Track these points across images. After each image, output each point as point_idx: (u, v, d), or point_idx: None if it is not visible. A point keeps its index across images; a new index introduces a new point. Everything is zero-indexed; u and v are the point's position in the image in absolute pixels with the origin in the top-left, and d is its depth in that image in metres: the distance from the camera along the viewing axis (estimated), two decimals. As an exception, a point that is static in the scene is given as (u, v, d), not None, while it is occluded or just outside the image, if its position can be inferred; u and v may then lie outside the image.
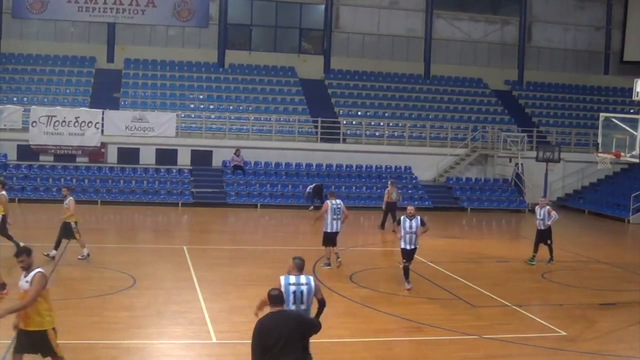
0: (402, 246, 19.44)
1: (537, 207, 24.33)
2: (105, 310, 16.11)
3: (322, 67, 46.18)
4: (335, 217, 21.63)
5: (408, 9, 47.36)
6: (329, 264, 21.86)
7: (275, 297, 9.74)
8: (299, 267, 11.25)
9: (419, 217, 19.44)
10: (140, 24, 43.83)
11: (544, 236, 23.86)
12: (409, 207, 19.87)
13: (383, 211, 30.73)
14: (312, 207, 34.88)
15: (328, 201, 21.95)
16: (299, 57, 46.33)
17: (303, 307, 10.89)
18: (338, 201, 22.05)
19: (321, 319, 10.75)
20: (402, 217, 19.43)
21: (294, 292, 10.91)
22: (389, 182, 31.96)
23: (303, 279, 11.07)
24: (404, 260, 19.46)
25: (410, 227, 19.24)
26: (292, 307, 10.67)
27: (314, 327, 9.99)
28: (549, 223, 23.78)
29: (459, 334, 15.55)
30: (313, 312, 11.18)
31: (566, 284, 21.37)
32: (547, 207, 23.99)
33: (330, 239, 21.79)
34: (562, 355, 14.62)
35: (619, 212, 37.19)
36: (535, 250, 23.97)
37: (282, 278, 11.15)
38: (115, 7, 42.85)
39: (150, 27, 44.34)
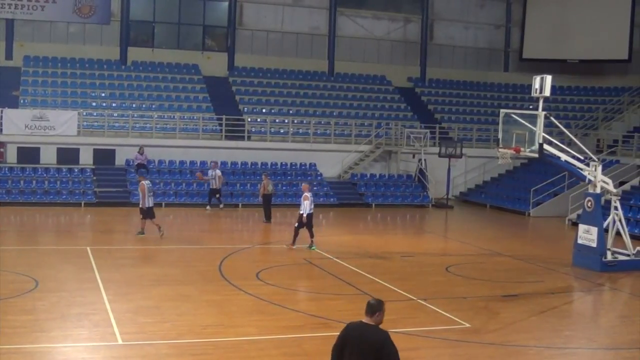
0: None
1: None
2: (7, 314, 15.68)
3: (226, 65, 45.96)
4: (149, 194, 26.20)
5: (312, 6, 47.53)
6: (142, 233, 26.22)
7: (369, 305, 9.05)
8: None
9: None
10: (40, 20, 42.81)
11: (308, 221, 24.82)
12: None
13: (262, 205, 32.13)
14: (221, 206, 34.68)
15: (144, 182, 26.40)
16: (203, 54, 46.02)
17: None
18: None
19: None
20: None
21: None
22: (263, 175, 32.98)
23: None
24: None
25: None
26: None
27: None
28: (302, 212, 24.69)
29: (366, 329, 15.66)
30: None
31: (469, 277, 21.75)
32: (305, 193, 24.89)
33: (148, 213, 26.04)
34: (466, 346, 14.88)
35: (520, 205, 38.03)
36: (311, 235, 24.91)
37: None
38: (13, 2, 41.72)
39: (50, 24, 43.36)
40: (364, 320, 8.88)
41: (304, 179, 38.12)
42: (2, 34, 42.26)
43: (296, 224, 24.98)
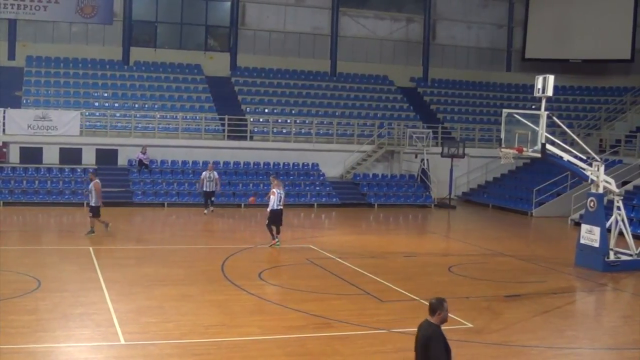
0: None
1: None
2: (9, 314, 15.68)
3: (228, 65, 45.99)
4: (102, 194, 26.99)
5: (314, 6, 47.56)
6: (93, 232, 26.13)
7: (429, 305, 9.37)
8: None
9: None
10: (42, 20, 42.86)
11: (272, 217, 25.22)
12: None
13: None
14: (211, 209, 34.12)
15: (98, 180, 26.73)
16: (205, 54, 46.04)
17: None
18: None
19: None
20: None
21: None
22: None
23: None
24: None
25: None
26: None
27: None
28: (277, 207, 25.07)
29: (368, 329, 15.65)
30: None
31: (472, 277, 21.72)
32: (273, 189, 25.29)
33: (98, 211, 26.43)
34: (469, 346, 14.85)
35: (522, 205, 37.99)
36: (277, 232, 25.27)
37: None
38: (16, 2, 41.79)
39: (53, 24, 43.42)
40: (427, 318, 9.27)
41: (306, 179, 38.23)
42: (4, 34, 42.31)
43: (266, 222, 25.41)
